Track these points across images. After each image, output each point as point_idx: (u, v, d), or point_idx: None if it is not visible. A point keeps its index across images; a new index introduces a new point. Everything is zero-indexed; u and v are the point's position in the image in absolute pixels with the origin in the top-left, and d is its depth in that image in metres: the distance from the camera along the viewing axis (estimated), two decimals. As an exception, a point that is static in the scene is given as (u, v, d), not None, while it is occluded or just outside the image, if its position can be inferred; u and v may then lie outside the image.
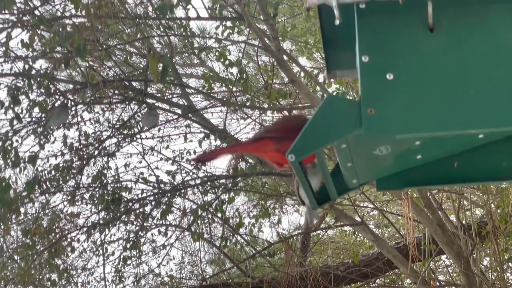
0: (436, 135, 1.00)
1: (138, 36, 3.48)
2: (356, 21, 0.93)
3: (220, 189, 3.96)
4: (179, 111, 3.98)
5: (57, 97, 3.52)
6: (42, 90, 3.43)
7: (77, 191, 3.86)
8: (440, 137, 1.05)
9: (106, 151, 3.91)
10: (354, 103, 0.91)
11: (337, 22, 0.94)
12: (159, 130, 4.09)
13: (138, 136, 4.00)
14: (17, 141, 3.54)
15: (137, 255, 4.16)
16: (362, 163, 1.10)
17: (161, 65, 2.89)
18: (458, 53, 0.90)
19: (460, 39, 0.91)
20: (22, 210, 3.80)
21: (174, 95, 4.14)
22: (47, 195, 3.82)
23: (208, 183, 3.93)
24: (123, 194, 3.90)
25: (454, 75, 0.89)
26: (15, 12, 3.13)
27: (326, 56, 1.15)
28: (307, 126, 0.94)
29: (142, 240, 4.15)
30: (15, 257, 4.08)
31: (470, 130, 0.91)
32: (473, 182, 1.24)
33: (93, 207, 3.95)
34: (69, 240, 3.90)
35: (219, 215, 3.96)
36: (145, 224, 3.96)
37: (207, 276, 4.34)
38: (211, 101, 4.31)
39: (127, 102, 3.83)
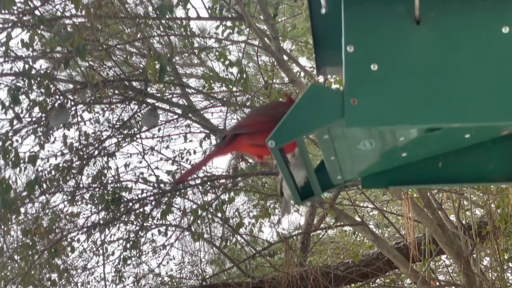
0: (418, 127, 1.00)
1: (138, 36, 3.48)
2: (342, 11, 0.92)
3: (220, 189, 3.97)
4: (179, 111, 3.99)
5: (57, 97, 3.52)
6: (42, 90, 3.43)
7: (77, 191, 3.86)
8: (425, 135, 1.04)
9: (106, 151, 3.91)
10: (338, 93, 0.90)
11: (323, 11, 0.94)
12: (159, 130, 4.10)
13: (138, 136, 4.00)
14: (17, 141, 3.54)
15: (137, 255, 4.16)
16: (346, 159, 1.10)
17: (159, 65, 2.89)
18: (444, 46, 0.90)
19: (447, 32, 0.90)
20: (22, 210, 3.80)
21: (174, 95, 4.14)
22: (47, 195, 3.82)
23: (208, 183, 3.93)
24: (123, 194, 3.90)
25: (440, 68, 0.89)
26: (15, 12, 3.13)
27: (316, 52, 1.15)
28: (289, 113, 0.93)
29: (142, 240, 4.15)
30: (15, 257, 4.08)
31: (453, 124, 0.91)
32: (460, 183, 1.24)
33: (93, 207, 3.95)
34: (69, 240, 3.90)
35: (219, 215, 3.96)
36: (145, 224, 3.96)
37: (207, 276, 4.34)
38: (211, 101, 4.32)
39: (127, 102, 3.83)
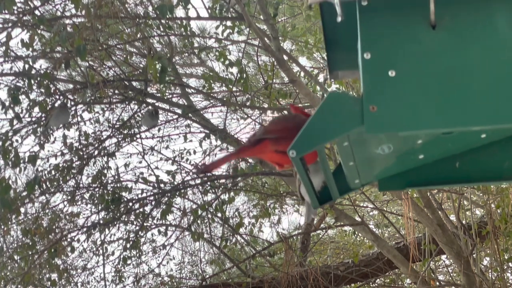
0: (438, 132, 1.00)
1: (138, 36, 3.48)
2: (358, 18, 0.92)
3: (220, 189, 3.96)
4: (179, 111, 3.98)
5: (57, 97, 3.52)
6: (42, 90, 3.43)
7: (77, 191, 3.86)
8: (442, 136, 1.05)
9: (106, 151, 3.91)
10: (357, 100, 0.91)
11: (339, 19, 0.94)
12: (159, 130, 4.10)
13: (138, 136, 4.00)
14: (17, 141, 3.53)
15: (137, 255, 4.16)
16: (364, 163, 1.10)
17: (159, 65, 2.89)
18: (461, 49, 0.90)
19: (463, 35, 0.91)
20: (22, 210, 3.80)
21: (174, 95, 4.14)
22: (47, 195, 3.82)
23: (208, 183, 3.93)
24: (123, 194, 3.90)
25: (457, 72, 0.89)
26: (15, 12, 3.13)
27: (328, 56, 1.15)
28: (309, 122, 0.94)
29: (142, 240, 4.15)
30: (15, 257, 4.08)
31: (472, 127, 0.91)
32: (475, 183, 1.24)
33: (93, 207, 3.95)
34: (69, 240, 3.90)
35: (219, 215, 3.96)
36: (145, 224, 3.96)
37: (207, 276, 4.33)
38: (211, 101, 4.32)
39: (127, 102, 3.82)
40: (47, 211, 3.96)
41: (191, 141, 4.05)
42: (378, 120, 0.89)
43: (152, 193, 3.91)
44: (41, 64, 3.79)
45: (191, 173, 4.04)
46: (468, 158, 1.12)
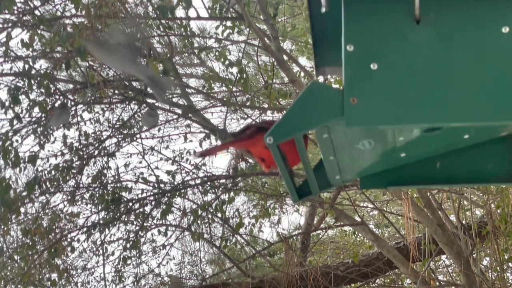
0: (418, 127, 1.00)
1: (138, 36, 3.47)
2: (342, 10, 0.92)
3: (220, 189, 3.96)
4: (179, 111, 3.99)
5: (57, 97, 3.52)
6: (42, 90, 3.43)
7: (77, 191, 3.86)
8: (424, 136, 1.04)
9: (106, 151, 3.91)
10: (338, 92, 0.91)
11: (323, 10, 0.94)
12: (159, 130, 4.10)
13: (138, 136, 4.00)
14: (17, 141, 3.53)
15: (137, 255, 4.16)
16: (345, 158, 1.10)
17: (162, 68, 2.89)
18: (444, 45, 0.90)
19: (447, 31, 0.91)
20: (22, 210, 3.80)
21: (174, 95, 4.14)
22: (47, 195, 3.82)
23: (208, 183, 3.93)
24: (123, 194, 3.90)
25: (440, 68, 0.89)
26: (15, 12, 3.13)
27: (315, 52, 1.15)
28: (288, 111, 0.94)
29: (142, 240, 4.15)
30: (15, 257, 4.08)
31: (452, 124, 0.91)
32: (458, 184, 1.24)
33: (93, 207, 3.95)
34: (69, 240, 3.90)
35: (219, 215, 3.96)
36: (145, 224, 3.96)
37: (207, 276, 4.34)
38: (211, 101, 4.32)
39: (127, 102, 3.83)
40: (47, 211, 3.96)
41: (191, 141, 4.06)
42: (358, 112, 0.88)
43: (152, 193, 3.91)
44: (41, 64, 3.79)
45: (191, 173, 4.04)
46: (451, 159, 1.12)
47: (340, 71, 0.96)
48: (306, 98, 0.93)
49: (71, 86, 3.73)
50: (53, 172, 3.73)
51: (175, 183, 3.94)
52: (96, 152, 3.90)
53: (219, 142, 3.82)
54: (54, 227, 3.89)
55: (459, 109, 0.88)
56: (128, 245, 3.94)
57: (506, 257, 3.70)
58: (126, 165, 4.02)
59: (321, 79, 1.27)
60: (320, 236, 5.01)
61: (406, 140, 1.07)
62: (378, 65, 0.90)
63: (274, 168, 1.23)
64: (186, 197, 4.06)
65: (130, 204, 3.89)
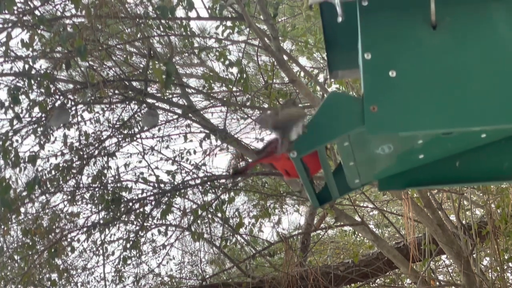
0: (438, 132, 1.00)
1: (138, 36, 3.48)
2: (358, 19, 0.93)
3: (220, 189, 3.96)
4: (179, 111, 3.98)
5: (57, 97, 3.52)
6: (42, 90, 3.43)
7: (77, 191, 3.86)
8: (442, 136, 1.05)
9: (106, 151, 3.91)
10: (357, 100, 0.91)
11: (339, 19, 0.94)
12: (159, 130, 4.10)
13: (138, 136, 4.00)
14: (17, 141, 3.53)
15: (137, 255, 4.16)
16: (364, 163, 1.10)
17: (165, 70, 2.88)
18: (461, 50, 0.90)
19: (463, 36, 0.91)
20: (22, 210, 3.80)
21: (174, 95, 4.14)
22: (47, 195, 3.82)
23: (208, 183, 3.93)
24: (123, 194, 3.90)
25: (457, 72, 0.89)
26: (15, 12, 3.13)
27: (328, 55, 1.15)
28: (309, 122, 0.94)
29: (142, 240, 4.15)
30: (15, 257, 4.08)
31: (472, 128, 0.91)
32: (475, 182, 1.24)
33: (93, 207, 3.95)
34: (69, 240, 3.90)
35: (219, 215, 3.96)
36: (145, 224, 3.96)
37: (207, 276, 4.34)
38: (211, 101, 4.31)
39: (127, 102, 3.82)
40: (47, 211, 3.96)
41: (191, 141, 4.04)
42: (378, 120, 0.89)
43: (152, 193, 3.91)
44: (41, 64, 3.79)
45: (191, 173, 4.04)
46: (468, 158, 1.12)
47: (352, 74, 0.96)
48: (326, 109, 0.93)
49: (71, 86, 3.73)
50: (53, 172, 3.73)
51: (175, 183, 3.94)
52: (96, 152, 3.90)
53: (219, 143, 3.82)
54: (54, 227, 3.89)
55: (478, 113, 0.88)
56: (128, 245, 3.94)
57: (506, 257, 3.70)
58: (126, 165, 4.02)
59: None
60: (320, 236, 5.01)
61: (424, 142, 1.07)
62: (396, 72, 0.90)
63: (294, 177, 1.24)
64: (186, 197, 4.06)
65: (130, 204, 3.89)
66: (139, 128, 3.95)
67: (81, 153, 3.82)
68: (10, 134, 3.46)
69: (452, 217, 3.93)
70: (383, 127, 0.89)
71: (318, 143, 0.95)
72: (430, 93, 0.89)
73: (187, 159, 4.06)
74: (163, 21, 3.42)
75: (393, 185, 1.18)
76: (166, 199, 3.86)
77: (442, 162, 1.13)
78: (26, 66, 3.26)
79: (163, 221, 3.97)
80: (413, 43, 0.91)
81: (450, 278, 4.77)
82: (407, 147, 1.08)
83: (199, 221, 4.00)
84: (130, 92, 3.71)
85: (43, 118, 3.50)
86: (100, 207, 3.86)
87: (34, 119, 3.55)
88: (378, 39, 0.92)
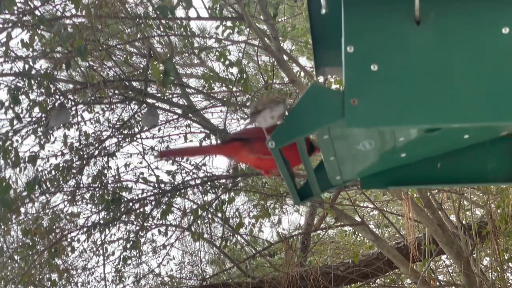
0: (418, 127, 1.00)
1: (138, 36, 3.48)
2: (342, 11, 0.92)
3: (220, 189, 3.96)
4: (179, 111, 3.98)
5: (57, 97, 3.52)
6: (42, 90, 3.43)
7: (77, 191, 3.86)
8: (425, 136, 1.05)
9: (106, 151, 3.91)
10: (338, 93, 0.91)
11: (323, 11, 0.95)
12: (159, 130, 4.10)
13: (138, 136, 4.00)
14: (17, 141, 3.53)
15: (137, 255, 4.16)
16: (345, 159, 1.10)
17: (163, 68, 2.88)
18: (444, 46, 0.90)
19: (447, 32, 0.91)
20: (22, 210, 3.80)
21: (174, 95, 4.14)
22: (47, 195, 3.82)
23: (208, 183, 3.93)
24: (123, 194, 3.90)
25: (440, 68, 0.89)
26: (15, 12, 3.13)
27: (315, 52, 1.16)
28: (289, 113, 0.94)
29: (142, 240, 4.15)
30: (15, 257, 4.08)
31: (452, 124, 0.91)
32: (458, 183, 1.24)
33: (93, 207, 3.95)
34: (69, 240, 3.90)
35: (219, 215, 3.96)
36: (145, 224, 3.96)
37: (207, 276, 4.34)
38: (211, 101, 4.31)
39: (127, 102, 3.83)
40: (47, 211, 3.96)
41: (191, 141, 4.04)
42: (359, 113, 0.89)
43: (152, 193, 3.91)
44: (41, 64, 3.79)
45: (191, 173, 4.04)
46: (451, 159, 1.12)
47: (340, 71, 0.96)
48: (306, 101, 0.93)
49: (71, 86, 3.73)
50: (53, 172, 3.73)
51: (175, 183, 3.94)
52: (96, 152, 3.90)
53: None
54: (54, 227, 3.89)
55: (459, 110, 0.88)
56: (128, 245, 3.94)
57: (506, 257, 3.70)
58: (126, 165, 4.03)
59: (321, 79, 1.28)
60: (320, 236, 5.01)
61: (406, 140, 1.07)
62: (378, 66, 0.90)
63: (273, 172, 1.23)
64: (186, 197, 4.06)
65: (130, 204, 3.89)
66: (139, 128, 3.95)
67: (81, 153, 3.82)
68: (10, 134, 3.46)
69: (452, 217, 3.93)
70: (362, 121, 0.89)
71: (296, 135, 0.95)
72: (412, 88, 0.89)
73: (187, 159, 4.06)
74: (163, 21, 3.42)
75: (375, 184, 1.18)
76: (166, 199, 3.86)
77: (425, 162, 1.13)
78: (26, 66, 3.26)
79: (163, 221, 3.97)
80: (396, 37, 0.91)
81: (450, 278, 4.77)
82: (388, 145, 1.08)
83: (199, 221, 4.00)
84: (130, 92, 3.71)
85: (43, 118, 3.50)
86: (100, 207, 3.86)
87: (34, 119, 3.55)
88: (361, 32, 0.92)
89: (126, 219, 3.95)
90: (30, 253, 3.86)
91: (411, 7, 0.90)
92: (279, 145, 0.96)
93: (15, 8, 3.04)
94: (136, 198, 3.89)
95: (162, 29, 3.56)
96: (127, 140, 3.98)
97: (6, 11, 2.94)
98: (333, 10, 0.97)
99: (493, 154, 1.12)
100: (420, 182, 1.16)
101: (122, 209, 3.87)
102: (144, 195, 3.89)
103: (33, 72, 3.26)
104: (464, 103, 0.88)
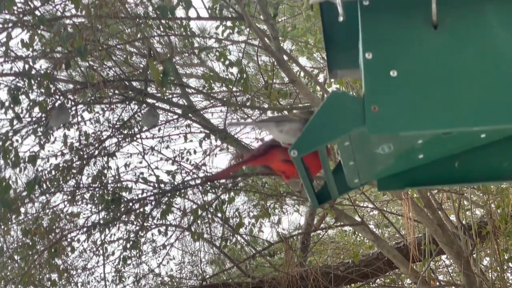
0: (439, 132, 1.00)
1: (138, 36, 3.48)
2: (359, 18, 0.93)
3: (220, 189, 3.96)
4: (179, 111, 3.98)
5: (57, 97, 3.52)
6: (42, 90, 3.43)
7: (77, 191, 3.86)
8: (442, 136, 1.05)
9: (106, 151, 3.91)
10: (358, 100, 0.91)
11: (340, 18, 0.94)
12: (159, 130, 4.10)
13: (138, 136, 4.00)
14: (17, 141, 3.53)
15: (137, 255, 4.16)
16: (364, 162, 1.10)
17: (162, 68, 2.89)
18: (462, 50, 0.90)
19: (464, 36, 0.91)
20: (22, 210, 3.80)
21: (174, 95, 4.14)
22: (47, 195, 3.82)
23: (208, 183, 3.93)
24: (123, 194, 3.90)
25: (458, 72, 0.89)
26: (15, 12, 3.13)
27: (327, 55, 1.16)
28: (310, 122, 0.94)
29: (142, 240, 4.15)
30: (15, 257, 4.08)
31: (473, 128, 0.91)
32: (474, 182, 1.24)
33: (93, 207, 3.95)
34: (69, 240, 3.90)
35: (219, 215, 3.96)
36: (145, 224, 3.96)
37: (207, 276, 4.34)
38: (211, 101, 4.31)
39: (127, 102, 3.83)
40: (47, 211, 3.96)
41: (191, 141, 4.04)
42: (379, 120, 0.89)
43: (152, 193, 3.91)
44: (41, 64, 3.79)
45: (191, 173, 4.04)
46: (467, 158, 1.12)
47: (353, 73, 0.96)
48: (326, 109, 0.93)
49: (71, 86, 3.73)
50: (53, 172, 3.73)
51: (175, 183, 3.94)
52: (96, 152, 3.90)
53: (219, 143, 3.82)
54: (54, 227, 3.89)
55: (479, 113, 0.88)
56: (128, 245, 3.94)
57: (506, 257, 3.70)
58: (126, 165, 4.03)
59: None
60: (320, 236, 5.01)
61: (424, 142, 1.07)
62: (397, 72, 0.90)
63: (294, 178, 1.24)
64: (186, 197, 4.06)
65: (130, 204, 3.89)
66: (139, 128, 3.95)
67: (81, 153, 3.82)
68: (10, 134, 3.46)
69: (452, 217, 3.93)
70: (383, 127, 0.89)
71: (318, 143, 0.95)
72: (431, 93, 0.89)
73: (187, 159, 4.06)
74: (163, 21, 3.42)
75: (392, 185, 1.18)
76: (166, 199, 3.86)
77: (442, 162, 1.13)
78: (26, 66, 3.26)
79: (163, 221, 3.97)
80: (414, 43, 0.91)
81: (450, 278, 4.77)
82: (407, 147, 1.09)
83: (199, 221, 4.00)
84: (130, 92, 3.71)
85: (43, 118, 3.50)
86: (100, 207, 3.86)
87: (34, 119, 3.55)
88: (379, 38, 0.92)
89: (126, 219, 3.95)
90: (30, 253, 3.86)
91: (428, 12, 0.90)
92: (302, 153, 0.96)
93: (15, 8, 3.04)
94: (136, 198, 3.89)
95: (162, 29, 3.56)
96: (127, 140, 3.98)
97: (6, 11, 2.94)
98: (346, 13, 0.97)
99: (508, 152, 1.11)
100: (436, 182, 1.16)
101: (122, 209, 3.87)
102: (144, 195, 3.89)
103: (33, 72, 3.26)
104: (483, 105, 0.88)
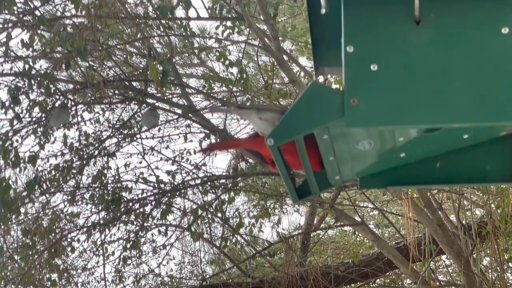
0: (417, 127, 1.00)
1: (138, 36, 3.48)
2: (342, 11, 0.92)
3: (220, 189, 3.96)
4: (179, 111, 3.99)
5: (57, 97, 3.52)
6: (42, 90, 3.43)
7: (77, 191, 3.86)
8: (424, 136, 1.05)
9: (106, 151, 3.91)
10: (338, 93, 0.91)
11: (323, 11, 0.94)
12: (159, 130, 4.10)
13: (138, 136, 4.00)
14: (17, 141, 3.54)
15: (137, 255, 4.16)
16: (345, 158, 1.10)
17: (162, 69, 2.89)
18: (444, 46, 0.90)
19: (446, 32, 0.91)
20: (22, 210, 3.80)
21: (174, 95, 4.14)
22: (47, 195, 3.82)
23: (208, 183, 3.93)
24: (123, 194, 3.90)
25: (439, 68, 0.89)
26: (15, 12, 3.13)
27: (314, 52, 1.15)
28: (288, 112, 0.94)
29: (142, 240, 4.15)
30: (15, 257, 4.08)
31: (453, 124, 0.91)
32: (457, 184, 1.24)
33: (93, 207, 3.95)
34: (69, 240, 3.90)
35: (219, 215, 3.96)
36: (145, 224, 3.96)
37: (207, 276, 4.34)
38: (211, 101, 4.32)
39: (127, 102, 3.83)
40: (47, 211, 3.96)
41: (191, 141, 4.05)
42: (358, 113, 0.89)
43: (152, 193, 3.91)
44: (41, 64, 3.79)
45: (191, 173, 4.04)
46: (451, 159, 1.12)
47: (340, 71, 0.96)
48: (306, 99, 0.93)
49: (71, 86, 3.73)
50: (53, 172, 3.73)
51: (175, 183, 3.94)
52: (96, 152, 3.90)
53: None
54: (54, 227, 3.89)
55: (459, 110, 0.88)
56: (128, 245, 3.94)
57: (506, 257, 3.70)
58: (126, 165, 4.03)
59: (321, 79, 1.28)
60: (320, 236, 5.01)
61: (406, 140, 1.07)
62: (378, 66, 0.90)
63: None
64: (186, 197, 4.06)
65: (130, 204, 3.89)
66: (139, 128, 3.95)
67: (81, 153, 3.82)
68: (10, 134, 3.46)
69: (452, 217, 3.93)
70: (362, 121, 0.89)
71: (295, 133, 0.95)
72: (411, 88, 0.89)
73: (187, 159, 4.07)
74: (163, 21, 3.42)
75: (374, 184, 1.17)
76: (166, 199, 3.86)
77: (425, 163, 1.13)
78: (26, 66, 3.26)
79: (163, 221, 3.97)
80: (396, 38, 0.91)
81: (450, 278, 4.77)
82: (388, 145, 1.08)
83: (199, 221, 4.00)
84: (130, 92, 3.72)
85: (43, 118, 3.50)
86: (100, 207, 3.86)
87: (34, 119, 3.55)
88: (361, 32, 0.92)
89: (126, 219, 3.95)
90: (30, 253, 3.86)
91: (411, 7, 0.90)
92: (278, 142, 0.96)
93: (15, 8, 3.05)
94: (136, 198, 3.89)
95: (162, 29, 3.56)
96: (127, 140, 3.98)
97: (6, 11, 2.94)
98: (333, 10, 0.97)
99: (492, 154, 1.12)
100: (419, 182, 1.16)
101: (122, 209, 3.87)
102: (144, 195, 3.89)
103: (33, 72, 3.26)
104: (463, 103, 0.88)
